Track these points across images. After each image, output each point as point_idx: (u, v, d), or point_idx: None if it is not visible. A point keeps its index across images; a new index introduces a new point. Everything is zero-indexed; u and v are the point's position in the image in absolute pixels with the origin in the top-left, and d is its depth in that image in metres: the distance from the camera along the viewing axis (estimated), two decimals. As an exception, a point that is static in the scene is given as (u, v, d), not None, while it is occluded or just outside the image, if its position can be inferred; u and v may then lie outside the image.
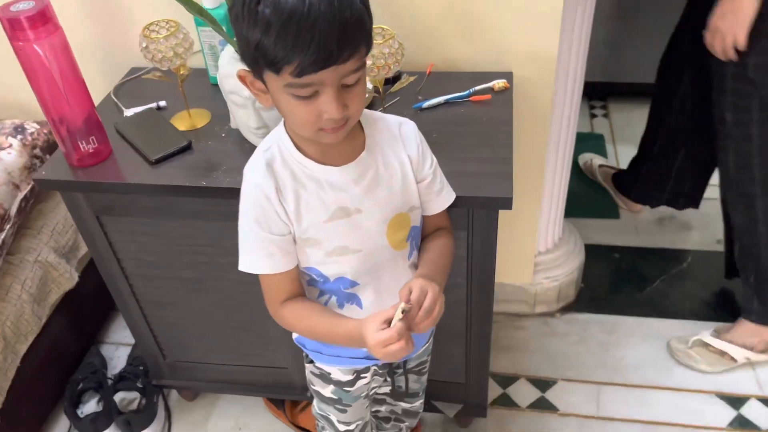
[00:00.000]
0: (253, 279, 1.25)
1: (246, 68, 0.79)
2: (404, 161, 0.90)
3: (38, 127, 1.49)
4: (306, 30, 0.68)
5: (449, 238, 0.99)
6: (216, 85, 1.34)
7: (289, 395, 1.54)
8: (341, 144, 0.83)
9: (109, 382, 1.60)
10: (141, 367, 1.61)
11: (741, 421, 1.51)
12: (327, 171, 0.85)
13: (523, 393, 1.61)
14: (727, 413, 1.53)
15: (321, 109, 0.75)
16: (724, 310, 1.75)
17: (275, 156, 0.86)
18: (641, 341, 1.70)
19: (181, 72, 1.16)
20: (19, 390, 1.43)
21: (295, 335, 1.08)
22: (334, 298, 0.95)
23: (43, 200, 1.56)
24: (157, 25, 1.15)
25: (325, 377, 1.08)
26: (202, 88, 1.33)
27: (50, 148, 1.49)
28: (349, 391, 1.09)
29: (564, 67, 1.36)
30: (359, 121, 0.88)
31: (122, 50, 1.42)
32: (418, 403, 1.25)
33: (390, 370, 1.12)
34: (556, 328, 1.76)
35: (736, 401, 1.56)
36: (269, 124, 1.10)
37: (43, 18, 1.00)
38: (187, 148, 1.17)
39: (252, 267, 0.89)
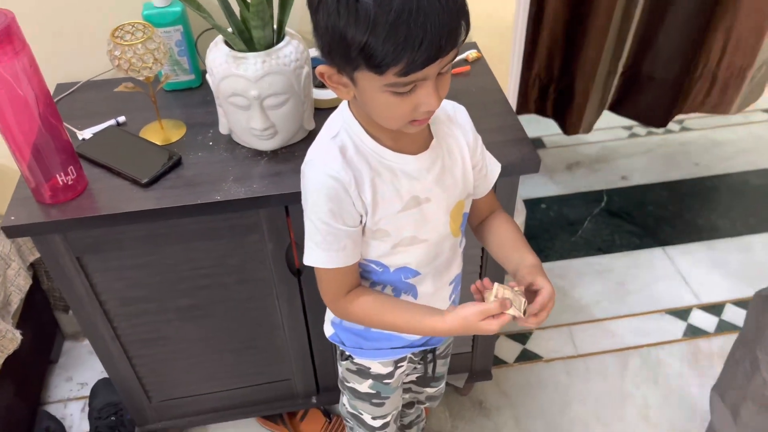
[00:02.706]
0: (262, 293, 1.18)
1: (329, 65, 0.72)
2: (463, 147, 0.88)
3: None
4: (417, 29, 0.63)
5: (510, 215, 0.99)
6: (170, 91, 1.22)
7: (289, 407, 1.47)
8: (410, 132, 0.80)
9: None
10: (113, 417, 1.44)
11: (692, 330, 1.71)
12: (403, 159, 0.81)
13: (507, 349, 1.68)
14: (679, 326, 1.73)
15: (418, 102, 0.71)
16: (648, 237, 1.95)
17: (347, 143, 0.79)
18: (592, 279, 1.84)
19: (161, 80, 1.03)
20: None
21: (330, 332, 1.03)
22: (389, 288, 0.92)
23: (-41, 255, 1.32)
24: (121, 29, 1.01)
25: (363, 372, 1.05)
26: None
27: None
28: (388, 384, 1.07)
29: (516, 29, 1.41)
30: None
31: (42, 67, 1.23)
32: (442, 385, 1.25)
33: (423, 355, 1.11)
34: (514, 283, 1.84)
35: (682, 313, 1.75)
36: (277, 123, 1.02)
37: (8, 36, 0.84)
38: (178, 164, 1.06)
39: (324, 262, 0.83)
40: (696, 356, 1.64)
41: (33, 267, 1.52)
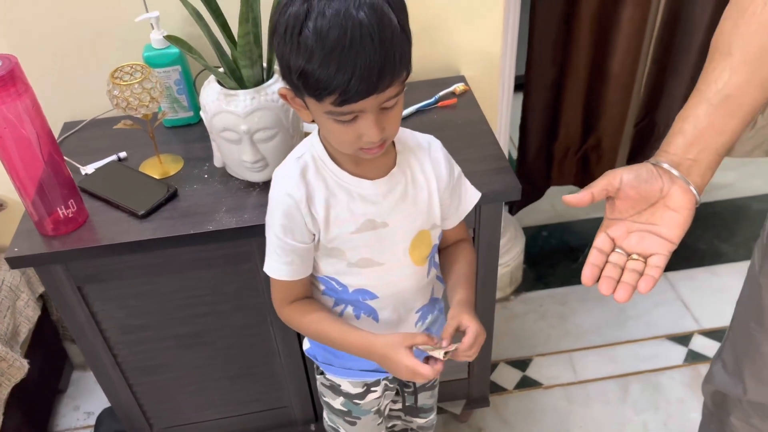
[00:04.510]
0: (257, 320, 1.22)
1: (287, 87, 0.79)
2: (431, 179, 0.90)
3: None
4: (348, 63, 0.68)
5: (472, 248, 1.01)
6: (170, 127, 1.28)
7: (288, 434, 1.49)
8: (375, 159, 0.84)
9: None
10: (117, 446, 1.47)
11: (693, 356, 1.70)
12: (359, 183, 0.85)
13: (507, 376, 1.69)
14: (680, 352, 1.72)
15: (360, 132, 0.76)
16: (649, 263, 1.96)
17: (308, 164, 0.85)
18: (592, 305, 1.85)
19: (159, 117, 1.09)
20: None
21: (306, 346, 1.07)
22: (350, 309, 0.95)
23: (-30, 287, 1.38)
24: (120, 71, 1.07)
25: (335, 389, 1.08)
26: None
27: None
28: (358, 404, 1.09)
29: (505, 65, 1.45)
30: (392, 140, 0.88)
31: (50, 107, 1.29)
32: (432, 416, 1.25)
33: (401, 384, 1.13)
34: (515, 310, 1.86)
35: (683, 339, 1.75)
36: (267, 156, 1.07)
37: (12, 79, 0.90)
38: (174, 196, 1.11)
39: (272, 272, 0.89)
40: (697, 381, 1.64)
41: (43, 298, 1.57)
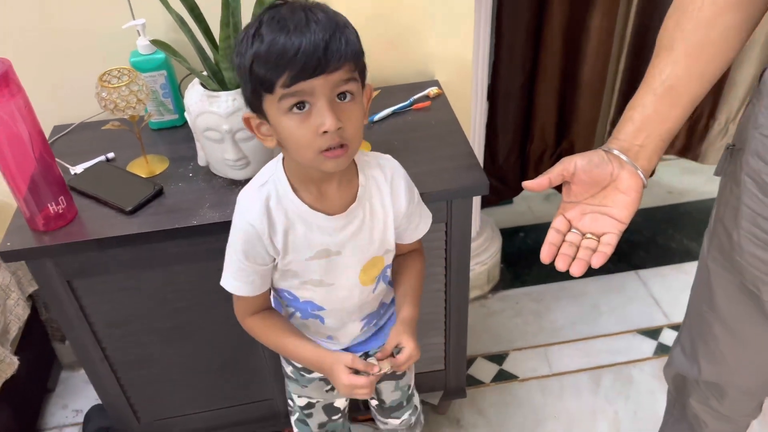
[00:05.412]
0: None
1: (251, 112, 0.83)
2: (388, 212, 0.94)
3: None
4: (294, 41, 0.73)
5: (423, 262, 1.06)
6: (157, 129, 1.34)
7: (272, 426, 1.53)
8: (336, 191, 0.89)
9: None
10: (105, 441, 1.51)
11: (662, 348, 1.77)
12: (317, 217, 0.90)
13: (484, 370, 1.75)
14: (650, 345, 1.79)
15: (316, 123, 0.77)
16: (622, 262, 2.03)
17: (271, 193, 0.88)
18: (567, 302, 1.92)
19: (145, 118, 1.15)
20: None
21: None
22: (299, 314, 1.03)
23: (-39, 286, 1.42)
24: (108, 74, 1.13)
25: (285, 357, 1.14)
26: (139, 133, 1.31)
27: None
28: (303, 376, 1.14)
29: (477, 70, 1.53)
30: (357, 169, 0.92)
31: (40, 111, 1.35)
32: (405, 417, 1.28)
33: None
34: (492, 308, 1.92)
35: (653, 333, 1.82)
36: (248, 155, 1.13)
37: (6, 81, 0.96)
38: (159, 193, 1.16)
39: (234, 289, 0.95)
40: (666, 373, 1.71)
41: (32, 298, 1.61)
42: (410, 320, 0.98)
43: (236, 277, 0.94)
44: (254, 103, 0.81)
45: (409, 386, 1.26)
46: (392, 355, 0.95)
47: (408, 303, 1.00)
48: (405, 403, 1.26)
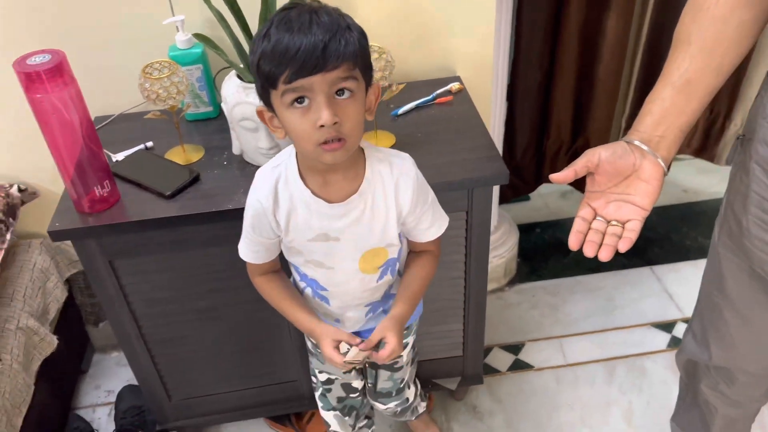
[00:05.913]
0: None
1: (264, 106, 0.90)
2: (390, 208, 0.98)
3: (-5, 191, 1.44)
4: (296, 41, 0.79)
5: (433, 265, 1.09)
6: (192, 121, 1.41)
7: (296, 407, 1.60)
8: (341, 181, 0.95)
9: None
10: (136, 417, 1.58)
11: (676, 341, 1.81)
12: (318, 203, 0.95)
13: (500, 359, 1.80)
14: (664, 338, 1.83)
15: (314, 118, 0.82)
16: (637, 257, 2.07)
17: (281, 175, 0.96)
18: (582, 296, 1.96)
19: (184, 109, 1.22)
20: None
21: None
22: (309, 290, 1.10)
23: (6, 267, 1.50)
24: (150, 67, 1.20)
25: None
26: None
27: (10, 211, 1.45)
28: (320, 352, 1.16)
29: (497, 67, 1.58)
30: (365, 161, 0.96)
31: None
32: (392, 406, 1.33)
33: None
34: (509, 300, 1.97)
35: (667, 326, 1.86)
36: (280, 144, 1.20)
37: (60, 71, 1.03)
38: (196, 180, 1.23)
39: (243, 254, 1.05)
40: (679, 365, 1.75)
41: (69, 283, 1.69)
42: (399, 317, 1.02)
43: (245, 244, 1.04)
44: (264, 97, 0.88)
45: (403, 380, 1.31)
46: (376, 347, 1.00)
47: (402, 301, 1.05)
48: (394, 394, 1.32)
